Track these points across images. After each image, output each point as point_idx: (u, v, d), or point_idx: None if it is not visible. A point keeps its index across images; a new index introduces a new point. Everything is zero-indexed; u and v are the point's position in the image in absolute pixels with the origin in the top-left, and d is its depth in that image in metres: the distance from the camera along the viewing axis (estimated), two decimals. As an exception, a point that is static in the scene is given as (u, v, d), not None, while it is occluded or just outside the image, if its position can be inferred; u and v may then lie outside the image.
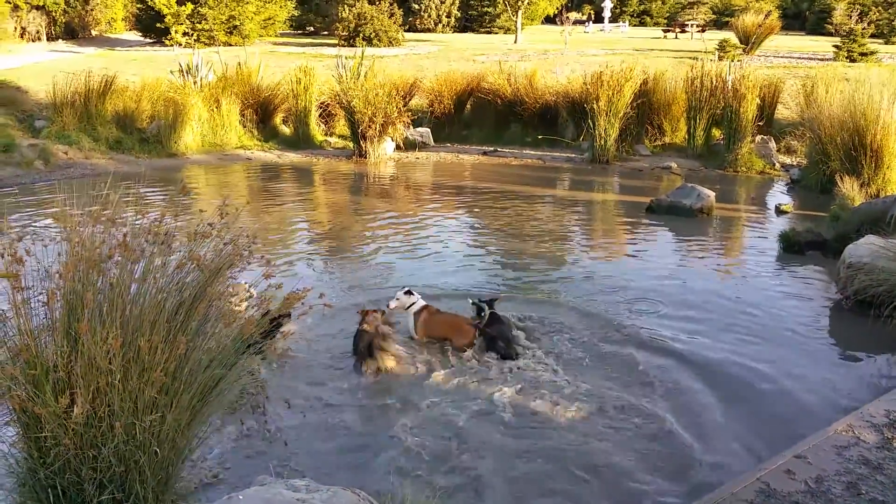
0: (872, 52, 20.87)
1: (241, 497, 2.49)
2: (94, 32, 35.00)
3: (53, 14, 33.03)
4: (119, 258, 3.08)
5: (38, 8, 32.16)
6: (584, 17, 46.18)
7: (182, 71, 14.91)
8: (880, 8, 32.41)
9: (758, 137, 12.88)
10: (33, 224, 8.45)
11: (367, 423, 4.14)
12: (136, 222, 3.33)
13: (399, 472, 3.62)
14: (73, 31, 33.77)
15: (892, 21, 31.22)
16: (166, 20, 25.58)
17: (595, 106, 12.77)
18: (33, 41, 31.40)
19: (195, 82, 14.67)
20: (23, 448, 2.94)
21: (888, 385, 4.54)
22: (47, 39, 32.14)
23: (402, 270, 6.97)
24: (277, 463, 3.67)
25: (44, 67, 19.98)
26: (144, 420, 2.90)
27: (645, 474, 3.65)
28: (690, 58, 20.05)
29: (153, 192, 10.76)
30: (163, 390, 2.96)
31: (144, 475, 2.95)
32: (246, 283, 5.56)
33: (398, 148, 14.46)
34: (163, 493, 3.04)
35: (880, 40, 28.58)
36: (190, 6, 25.50)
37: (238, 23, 27.99)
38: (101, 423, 2.86)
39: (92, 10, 34.24)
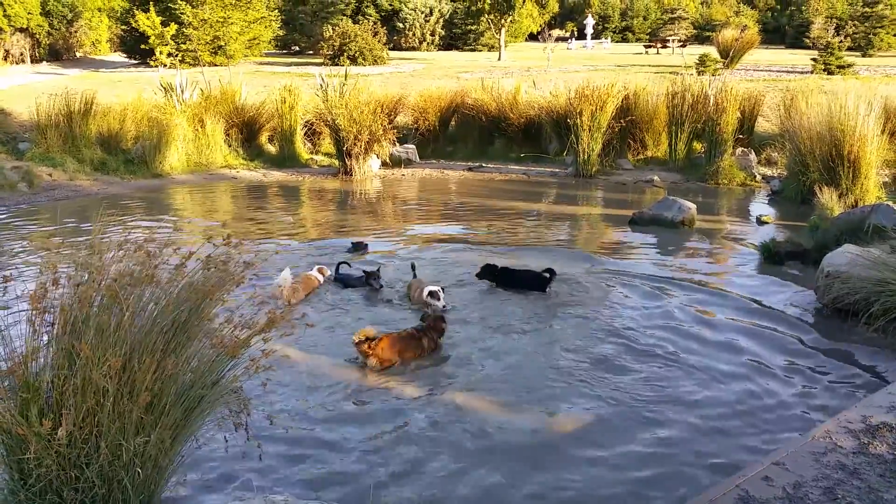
0: (850, 65, 21.24)
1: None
2: (78, 54, 35.04)
3: (37, 36, 33.05)
4: (127, 282, 3.09)
5: (21, 30, 32.18)
6: (567, 34, 46.76)
7: (165, 89, 14.96)
8: (856, 22, 33.00)
9: (738, 150, 13.07)
10: (23, 246, 8.42)
11: (349, 439, 4.15)
12: (137, 246, 3.33)
13: (380, 486, 3.63)
14: (57, 53, 33.80)
15: (869, 34, 31.80)
16: (150, 41, 25.64)
17: (578, 121, 12.93)
18: (17, 63, 31.38)
19: (178, 102, 14.71)
20: (4, 469, 2.94)
21: (865, 391, 4.61)
22: (31, 62, 32.13)
23: (387, 288, 6.98)
24: (258, 478, 3.68)
25: (27, 89, 19.96)
26: (130, 440, 2.90)
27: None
28: (671, 73, 20.32)
29: (144, 214, 10.74)
30: (149, 410, 2.98)
31: (127, 495, 2.95)
32: (325, 266, 7.10)
33: (384, 165, 14.54)
34: (145, 512, 3.04)
35: (857, 53, 29.10)
36: (174, 27, 25.60)
37: (222, 43, 28.12)
38: (86, 444, 2.87)
39: (76, 32, 34.27)
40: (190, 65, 25.62)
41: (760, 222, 9.69)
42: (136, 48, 28.01)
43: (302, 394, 4.71)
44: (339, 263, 7.25)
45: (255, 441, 3.53)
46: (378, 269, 6.94)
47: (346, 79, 14.43)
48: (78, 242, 3.19)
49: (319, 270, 7.17)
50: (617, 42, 46.96)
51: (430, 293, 6.13)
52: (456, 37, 40.25)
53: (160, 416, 3.02)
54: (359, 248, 8.39)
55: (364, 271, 6.94)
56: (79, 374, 2.83)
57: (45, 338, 2.97)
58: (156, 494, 3.12)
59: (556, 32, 45.02)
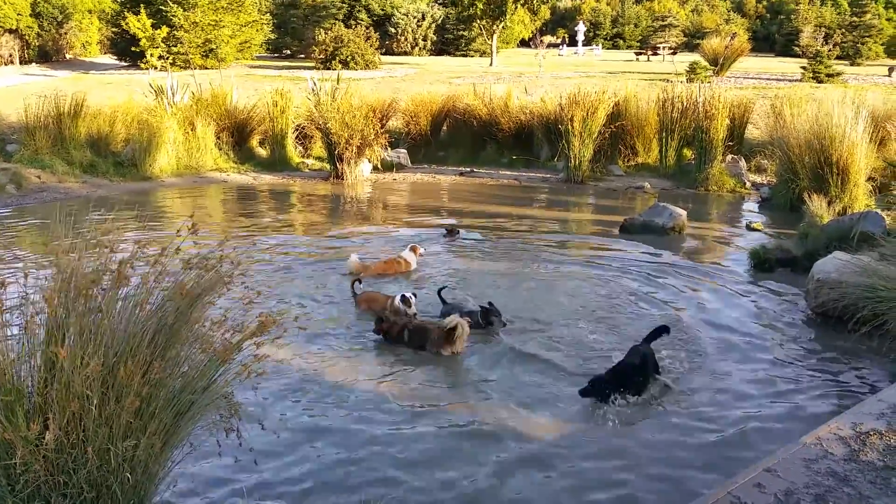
0: (838, 74, 21.46)
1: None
2: (68, 56, 34.85)
3: (27, 38, 32.85)
4: (107, 284, 3.06)
5: (10, 31, 31.99)
6: (559, 41, 46.92)
7: (156, 92, 14.89)
8: (844, 31, 33.35)
9: (728, 157, 13.13)
10: (11, 248, 8.35)
11: (340, 445, 4.13)
12: (123, 248, 3.31)
13: (373, 496, 3.61)
14: (46, 54, 33.62)
15: (857, 43, 32.14)
16: (141, 43, 25.54)
17: (570, 127, 12.95)
18: (6, 64, 31.19)
19: (169, 104, 14.65)
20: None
21: (855, 398, 4.63)
22: (20, 63, 31.93)
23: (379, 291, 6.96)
24: (249, 485, 3.65)
25: (16, 91, 19.83)
26: (118, 445, 2.87)
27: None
28: (662, 80, 20.44)
29: (131, 216, 10.68)
30: (137, 415, 2.94)
31: (117, 501, 2.91)
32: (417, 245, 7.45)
33: (375, 169, 14.52)
34: (135, 518, 3.01)
35: (846, 62, 29.40)
36: (165, 30, 25.51)
37: (214, 46, 28.04)
38: (74, 449, 2.83)
39: (66, 33, 34.09)
40: (181, 67, 25.53)
41: (750, 229, 9.74)
42: (127, 50, 27.90)
43: (294, 399, 4.68)
44: (441, 289, 6.44)
45: (245, 447, 3.50)
46: (491, 304, 5.82)
47: (337, 83, 14.41)
48: (63, 244, 3.15)
49: (412, 249, 7.30)
50: (608, 49, 47.18)
51: (402, 299, 6.06)
52: (448, 42, 40.35)
53: (149, 421, 2.99)
54: (452, 233, 8.79)
55: (481, 307, 5.86)
56: (60, 378, 2.80)
57: (20, 341, 2.94)
58: (146, 500, 3.09)
59: (548, 39, 45.22)
